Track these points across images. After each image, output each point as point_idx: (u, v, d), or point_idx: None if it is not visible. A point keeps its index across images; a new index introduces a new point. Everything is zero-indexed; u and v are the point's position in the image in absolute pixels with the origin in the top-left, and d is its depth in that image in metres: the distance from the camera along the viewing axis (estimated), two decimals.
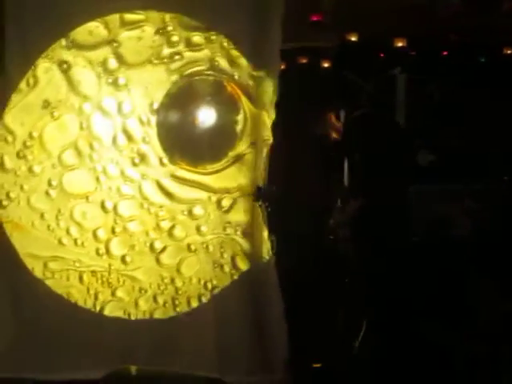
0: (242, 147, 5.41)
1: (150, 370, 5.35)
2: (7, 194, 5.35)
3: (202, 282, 5.42)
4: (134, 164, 5.38)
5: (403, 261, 5.81)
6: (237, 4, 5.36)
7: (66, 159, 5.37)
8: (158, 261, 5.43)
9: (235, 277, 5.41)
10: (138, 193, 5.39)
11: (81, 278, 5.38)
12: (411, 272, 5.93)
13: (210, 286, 5.42)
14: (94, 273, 5.39)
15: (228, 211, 5.41)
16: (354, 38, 6.67)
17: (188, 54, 5.40)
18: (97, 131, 5.39)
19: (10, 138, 5.34)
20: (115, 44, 5.34)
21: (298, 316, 5.44)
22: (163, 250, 5.43)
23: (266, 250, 5.38)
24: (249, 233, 5.42)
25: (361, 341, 5.78)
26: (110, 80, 5.34)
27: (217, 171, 5.43)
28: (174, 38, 5.37)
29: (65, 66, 5.32)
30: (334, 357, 5.75)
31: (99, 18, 5.31)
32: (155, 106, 5.38)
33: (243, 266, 5.43)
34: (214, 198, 5.40)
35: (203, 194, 5.40)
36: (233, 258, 5.43)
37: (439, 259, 6.13)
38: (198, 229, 5.41)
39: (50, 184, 5.37)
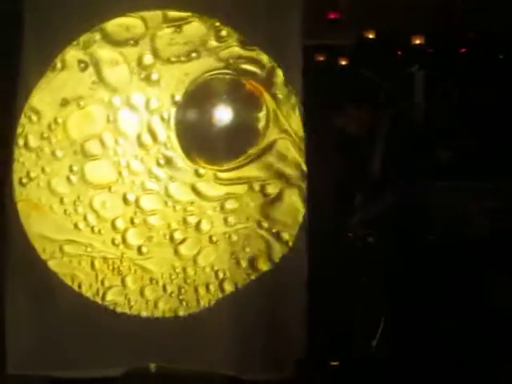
0: (264, 144, 5.43)
1: (169, 368, 5.36)
2: (27, 173, 5.36)
3: (214, 271, 5.42)
4: (160, 164, 5.38)
5: (423, 259, 5.81)
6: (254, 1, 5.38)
7: (88, 149, 5.38)
8: (176, 252, 5.44)
9: (252, 276, 5.42)
10: (163, 190, 5.39)
11: (92, 264, 5.38)
12: (430, 271, 5.93)
13: (221, 275, 5.42)
14: (105, 259, 5.40)
15: (271, 203, 5.42)
16: (371, 36, 6.65)
17: (205, 53, 5.43)
18: (123, 126, 5.38)
19: (34, 118, 5.36)
20: (151, 40, 5.34)
21: (315, 313, 5.43)
22: (183, 241, 5.42)
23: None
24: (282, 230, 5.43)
25: (378, 339, 5.77)
26: (143, 75, 5.34)
27: (233, 169, 5.45)
28: (192, 36, 5.38)
29: (96, 58, 5.32)
30: (351, 355, 5.76)
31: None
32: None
33: (264, 266, 5.43)
34: (257, 186, 5.40)
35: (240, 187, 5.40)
36: (253, 258, 5.42)
37: (457, 258, 6.12)
38: (225, 220, 5.41)
39: (71, 170, 5.37)
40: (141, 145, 5.42)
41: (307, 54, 5.51)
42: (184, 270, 5.46)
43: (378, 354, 5.71)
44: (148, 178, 5.42)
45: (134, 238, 5.45)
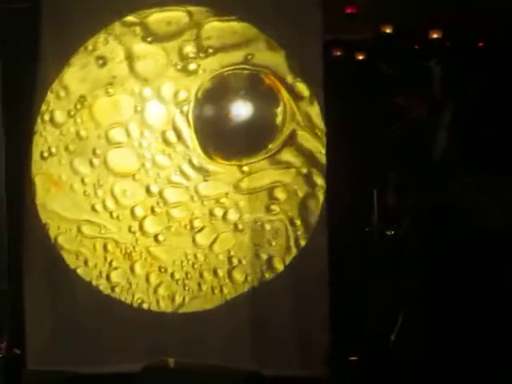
0: (282, 140, 5.43)
1: (188, 363, 5.37)
2: (49, 148, 5.44)
3: (227, 256, 5.46)
4: (192, 164, 5.45)
5: (443, 254, 5.77)
6: None
7: (113, 136, 5.45)
8: (193, 240, 5.47)
9: (266, 274, 5.45)
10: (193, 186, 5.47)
11: (105, 247, 5.46)
12: (448, 264, 5.89)
13: (235, 261, 5.46)
14: (118, 243, 5.47)
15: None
16: (388, 30, 6.63)
17: (222, 48, 5.43)
18: (150, 118, 5.46)
19: (62, 94, 5.44)
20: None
21: (335, 309, 5.42)
22: (202, 229, 5.48)
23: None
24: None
25: (397, 334, 5.75)
26: (179, 67, 5.42)
27: (252, 164, 5.45)
28: (209, 33, 5.42)
29: (130, 48, 5.43)
30: (370, 350, 5.74)
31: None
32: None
33: (279, 266, 5.46)
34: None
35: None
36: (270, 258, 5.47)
37: (476, 251, 6.07)
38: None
39: (94, 153, 5.45)
40: (166, 140, 5.47)
41: (324, 49, 5.51)
42: (195, 256, 5.48)
43: (396, 349, 5.70)
44: (175, 173, 5.47)
45: (151, 226, 5.50)
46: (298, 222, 5.45)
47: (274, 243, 5.44)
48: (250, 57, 5.42)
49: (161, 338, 5.39)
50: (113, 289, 5.46)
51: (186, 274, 5.46)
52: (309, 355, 5.39)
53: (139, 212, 5.47)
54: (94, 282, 5.45)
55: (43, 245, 5.43)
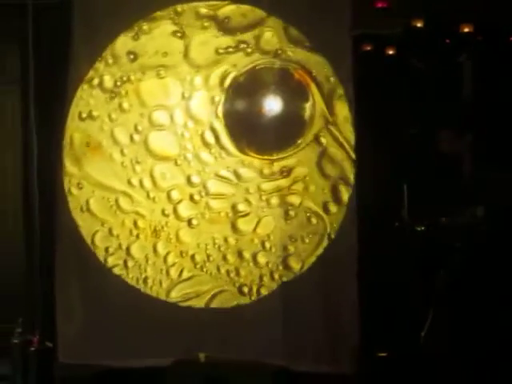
0: (311, 135, 5.41)
1: (218, 358, 5.38)
2: (90, 111, 5.51)
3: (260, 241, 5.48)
4: (243, 164, 5.47)
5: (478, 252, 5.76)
6: None
7: (157, 118, 5.51)
8: (233, 226, 5.50)
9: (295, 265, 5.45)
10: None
11: (135, 223, 5.51)
12: (476, 262, 5.86)
13: (268, 245, 5.47)
14: (147, 220, 5.51)
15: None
16: (419, 24, 6.58)
17: (253, 43, 5.43)
18: (196, 108, 5.50)
19: (110, 60, 5.49)
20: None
21: (365, 305, 5.41)
22: (246, 214, 5.52)
23: None
24: None
25: (427, 331, 5.71)
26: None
27: (282, 158, 5.44)
28: (239, 27, 5.44)
29: (189, 34, 5.48)
30: (400, 346, 5.71)
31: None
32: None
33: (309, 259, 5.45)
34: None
35: None
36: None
37: (505, 248, 6.03)
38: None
39: (136, 128, 5.50)
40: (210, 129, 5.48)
41: (354, 44, 5.49)
42: (226, 239, 5.50)
43: (426, 346, 5.67)
44: (224, 168, 5.48)
45: (185, 211, 5.52)
46: (328, 216, 5.46)
47: (304, 236, 5.45)
48: (280, 51, 5.41)
49: (192, 333, 5.40)
50: (125, 263, 5.51)
51: (208, 256, 5.50)
52: (338, 351, 5.38)
53: (175, 196, 5.51)
54: (111, 250, 5.51)
55: (75, 240, 5.47)
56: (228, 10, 5.46)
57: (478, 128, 6.97)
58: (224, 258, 5.48)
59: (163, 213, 5.50)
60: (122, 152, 5.50)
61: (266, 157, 5.43)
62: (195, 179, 5.49)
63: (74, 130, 5.50)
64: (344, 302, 5.34)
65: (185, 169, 5.49)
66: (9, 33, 5.78)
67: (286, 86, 5.45)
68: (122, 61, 5.49)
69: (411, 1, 6.39)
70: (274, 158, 5.43)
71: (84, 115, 5.50)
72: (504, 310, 5.48)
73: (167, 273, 5.51)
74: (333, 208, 5.44)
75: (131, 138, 5.50)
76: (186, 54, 5.47)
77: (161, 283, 5.50)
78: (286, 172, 5.44)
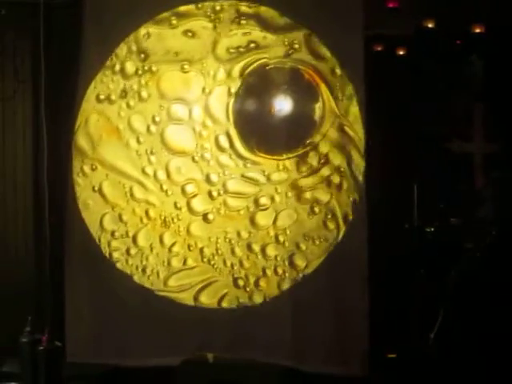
0: (320, 135, 5.40)
1: (227, 358, 5.38)
2: (109, 95, 5.53)
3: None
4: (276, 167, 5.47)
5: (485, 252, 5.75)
6: None
7: (175, 111, 5.53)
8: (251, 220, 5.51)
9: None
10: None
11: (147, 212, 5.53)
12: (487, 263, 5.84)
13: (282, 239, 5.47)
14: (156, 209, 5.53)
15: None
16: (430, 25, 6.56)
17: (264, 42, 5.42)
18: (216, 105, 5.52)
19: (134, 47, 5.51)
20: None
21: (374, 306, 5.39)
22: (266, 209, 5.52)
23: None
24: None
25: (436, 332, 5.70)
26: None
27: (291, 158, 5.44)
28: (249, 27, 5.44)
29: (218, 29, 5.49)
30: (409, 348, 5.70)
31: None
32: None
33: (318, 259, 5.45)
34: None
35: None
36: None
37: None
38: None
39: (153, 120, 5.52)
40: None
41: (366, 44, 5.48)
42: (239, 233, 5.51)
43: (435, 347, 5.66)
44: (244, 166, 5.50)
45: (199, 205, 5.53)
46: (337, 217, 5.45)
47: (315, 238, 5.45)
48: (291, 51, 5.41)
49: (201, 332, 5.42)
50: (128, 250, 5.52)
51: (217, 250, 5.51)
52: (347, 353, 5.36)
53: (190, 189, 5.52)
54: (117, 234, 5.53)
55: (84, 240, 5.49)
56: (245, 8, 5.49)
57: (489, 128, 6.96)
58: (232, 251, 5.51)
59: (175, 206, 5.51)
60: (137, 140, 5.52)
61: (275, 157, 5.43)
62: (214, 178, 5.51)
63: (91, 111, 5.53)
64: (353, 303, 5.32)
65: (203, 167, 5.51)
66: (20, 32, 5.78)
67: (296, 86, 5.45)
68: (148, 51, 5.51)
69: (422, 1, 6.37)
70: (283, 158, 5.42)
71: (102, 97, 5.52)
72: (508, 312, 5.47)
73: (168, 263, 5.53)
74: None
75: (148, 129, 5.51)
76: (213, 50, 5.49)
77: (158, 274, 5.52)
78: (324, 160, 5.45)
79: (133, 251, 5.53)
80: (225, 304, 5.48)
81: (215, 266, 5.49)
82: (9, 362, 5.23)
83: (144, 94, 5.50)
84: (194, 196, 5.51)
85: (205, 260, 5.50)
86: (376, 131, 5.63)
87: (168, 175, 5.51)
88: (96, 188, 5.52)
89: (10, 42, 5.79)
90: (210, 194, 5.49)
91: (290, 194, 5.44)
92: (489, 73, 6.74)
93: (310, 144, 5.43)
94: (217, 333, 5.42)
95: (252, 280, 5.47)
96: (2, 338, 5.36)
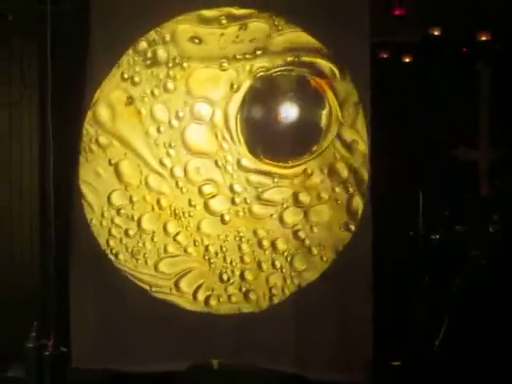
0: (326, 142, 5.42)
1: (231, 364, 5.38)
2: (133, 76, 5.49)
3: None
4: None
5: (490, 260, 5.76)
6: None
7: (198, 110, 5.50)
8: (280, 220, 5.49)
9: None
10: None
11: (159, 201, 5.51)
12: (492, 271, 5.84)
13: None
14: (168, 199, 5.51)
15: None
16: (436, 32, 6.57)
17: (270, 50, 5.43)
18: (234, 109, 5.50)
19: (168, 37, 5.49)
20: None
21: (379, 313, 5.39)
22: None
23: None
24: None
25: (441, 339, 5.69)
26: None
27: (297, 166, 5.45)
28: (256, 34, 5.44)
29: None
30: (414, 355, 5.70)
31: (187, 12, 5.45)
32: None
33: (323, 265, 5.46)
34: None
35: None
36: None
37: None
38: None
39: (176, 115, 5.50)
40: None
41: (372, 51, 5.49)
42: (255, 232, 5.49)
43: (440, 354, 5.65)
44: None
45: (219, 205, 5.52)
46: (342, 224, 5.46)
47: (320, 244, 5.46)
48: (297, 58, 5.42)
49: (205, 338, 5.40)
50: (126, 232, 5.50)
51: (221, 247, 5.51)
52: (351, 360, 5.36)
53: (208, 189, 5.51)
54: (122, 211, 5.50)
55: (90, 245, 5.47)
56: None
57: (495, 135, 6.97)
58: (239, 247, 5.51)
59: (189, 203, 5.51)
60: (158, 130, 5.51)
61: (281, 164, 5.43)
62: (237, 187, 5.52)
63: (114, 88, 5.50)
64: (358, 309, 5.32)
65: (227, 178, 5.51)
66: (27, 37, 5.79)
67: (302, 93, 5.46)
68: (182, 43, 5.48)
69: (428, 9, 6.39)
70: (289, 165, 5.43)
71: (126, 76, 5.50)
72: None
73: (165, 250, 5.52)
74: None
75: (170, 122, 5.50)
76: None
77: (146, 261, 5.51)
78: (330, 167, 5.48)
79: (131, 232, 5.51)
80: (223, 308, 5.50)
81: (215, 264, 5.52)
82: (14, 367, 5.25)
83: (170, 85, 5.48)
84: (213, 196, 5.51)
85: (206, 258, 5.52)
86: (381, 138, 5.62)
87: (185, 173, 5.51)
88: (113, 162, 5.49)
89: (17, 48, 5.79)
90: (232, 200, 5.51)
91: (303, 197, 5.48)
92: (494, 80, 6.78)
93: (316, 151, 5.43)
94: (221, 338, 5.40)
95: (237, 273, 5.50)
96: (8, 343, 5.36)
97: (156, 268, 5.51)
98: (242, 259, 5.49)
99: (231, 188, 5.49)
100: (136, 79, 5.49)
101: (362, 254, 5.36)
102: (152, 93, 5.48)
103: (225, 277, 5.49)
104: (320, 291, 5.37)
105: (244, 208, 5.49)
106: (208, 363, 5.41)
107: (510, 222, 6.27)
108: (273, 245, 5.47)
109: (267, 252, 5.47)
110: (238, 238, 5.49)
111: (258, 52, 5.44)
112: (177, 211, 5.51)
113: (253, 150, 5.46)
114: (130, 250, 5.51)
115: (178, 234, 5.52)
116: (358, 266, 5.35)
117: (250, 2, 5.43)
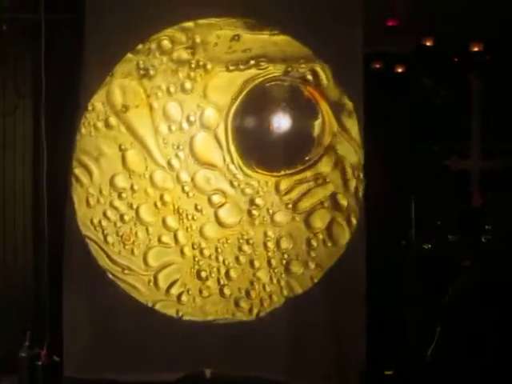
0: (319, 152, 5.43)
1: (224, 374, 5.37)
2: (147, 68, 5.45)
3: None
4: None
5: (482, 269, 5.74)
6: (314, 8, 5.39)
7: (206, 118, 5.48)
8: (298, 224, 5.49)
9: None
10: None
11: (162, 197, 5.49)
12: (485, 280, 5.84)
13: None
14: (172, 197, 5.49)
15: None
16: (429, 43, 6.61)
17: (263, 60, 5.45)
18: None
19: (198, 40, 5.45)
20: None
21: (372, 322, 5.40)
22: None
23: None
24: None
25: (434, 348, 5.69)
26: None
27: (290, 175, 5.46)
28: (249, 45, 5.45)
29: None
30: (406, 364, 5.70)
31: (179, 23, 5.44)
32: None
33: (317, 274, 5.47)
34: None
35: None
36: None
37: None
38: None
39: (187, 118, 5.47)
40: None
41: (365, 61, 5.51)
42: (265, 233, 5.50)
43: (433, 364, 5.65)
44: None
45: (229, 215, 5.50)
46: (335, 233, 5.47)
47: (312, 254, 5.47)
48: (290, 68, 5.44)
49: (198, 348, 5.38)
50: (122, 216, 5.48)
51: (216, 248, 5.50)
52: (344, 369, 5.36)
53: (216, 199, 5.49)
54: (124, 195, 5.47)
55: (83, 254, 5.45)
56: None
57: (487, 145, 7.00)
58: (240, 248, 5.52)
59: (196, 208, 5.49)
60: (169, 128, 5.49)
61: (274, 173, 5.45)
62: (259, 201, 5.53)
63: (129, 73, 5.47)
64: (351, 319, 5.33)
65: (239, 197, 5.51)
66: (21, 47, 5.80)
67: (295, 104, 5.47)
68: (208, 45, 5.48)
69: (421, 19, 6.42)
70: (281, 174, 5.45)
71: (142, 66, 5.47)
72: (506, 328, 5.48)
73: (159, 240, 5.51)
74: None
75: (181, 127, 5.48)
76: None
77: (133, 250, 5.48)
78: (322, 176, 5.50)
79: (127, 217, 5.50)
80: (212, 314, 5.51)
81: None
82: (7, 377, 5.24)
83: (188, 85, 5.46)
84: (222, 205, 5.51)
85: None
86: (374, 148, 5.64)
87: (194, 183, 5.51)
88: (123, 147, 5.47)
89: (11, 57, 5.78)
90: (250, 213, 5.52)
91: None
92: (486, 90, 6.82)
93: (309, 161, 5.45)
94: (213, 349, 5.40)
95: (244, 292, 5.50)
96: (1, 352, 5.32)
97: (145, 259, 5.49)
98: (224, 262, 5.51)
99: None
100: (151, 72, 5.46)
101: (355, 264, 5.37)
102: (168, 88, 5.46)
103: (203, 274, 5.51)
104: (313, 300, 5.37)
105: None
106: (200, 373, 5.41)
107: (501, 231, 6.28)
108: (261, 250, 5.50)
109: (259, 257, 5.50)
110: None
111: (252, 62, 5.46)
112: (180, 210, 5.49)
113: (245, 160, 5.48)
114: (120, 234, 5.49)
115: (176, 230, 5.51)
116: (351, 276, 5.36)
117: (243, 13, 5.43)
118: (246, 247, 5.49)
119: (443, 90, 6.78)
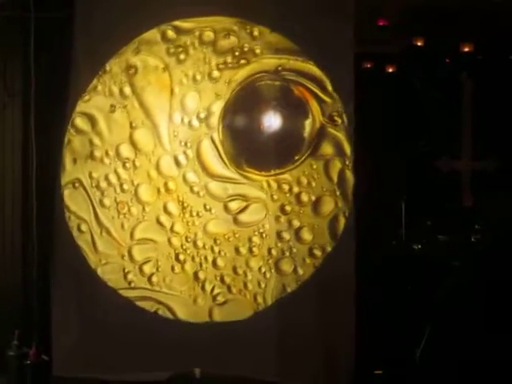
0: (308, 151, 5.44)
1: (213, 373, 5.37)
2: (160, 62, 5.43)
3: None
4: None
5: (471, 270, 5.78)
6: (305, 8, 5.39)
7: (211, 121, 5.43)
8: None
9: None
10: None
11: (166, 184, 5.45)
12: (474, 280, 5.87)
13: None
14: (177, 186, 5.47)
15: None
16: (420, 43, 6.62)
17: (254, 59, 5.45)
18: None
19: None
20: None
21: (360, 322, 5.41)
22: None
23: None
24: None
25: (423, 348, 5.72)
26: None
27: (280, 174, 5.47)
28: (239, 43, 5.44)
29: None
30: (396, 364, 5.72)
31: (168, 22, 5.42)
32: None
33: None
34: None
35: None
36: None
37: (503, 267, 6.04)
38: None
39: (197, 115, 5.43)
40: None
41: (355, 61, 5.52)
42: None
43: (422, 363, 5.68)
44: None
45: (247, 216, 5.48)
46: (326, 234, 5.46)
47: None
48: (280, 67, 5.44)
49: (187, 347, 5.36)
50: (122, 186, 5.44)
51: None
52: (333, 370, 5.34)
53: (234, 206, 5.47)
54: (128, 165, 5.43)
55: (72, 253, 5.43)
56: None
57: (477, 146, 7.02)
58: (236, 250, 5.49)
59: (204, 207, 5.46)
60: (182, 120, 5.45)
61: (263, 173, 5.43)
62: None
63: (155, 55, 5.44)
64: (340, 319, 5.31)
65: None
66: (11, 45, 5.79)
67: (285, 103, 5.45)
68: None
69: (412, 20, 6.43)
70: (271, 173, 5.45)
71: (161, 67, 5.44)
72: (501, 329, 5.49)
73: (158, 223, 5.47)
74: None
75: (190, 124, 5.44)
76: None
77: (123, 225, 5.45)
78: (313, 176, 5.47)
79: (126, 186, 5.45)
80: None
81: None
82: None
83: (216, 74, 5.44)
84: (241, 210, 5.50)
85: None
86: (365, 148, 5.65)
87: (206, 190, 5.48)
88: (134, 125, 5.42)
89: (0, 56, 5.78)
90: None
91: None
92: (477, 91, 6.83)
93: (299, 160, 5.44)
94: (203, 348, 5.38)
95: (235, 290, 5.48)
96: None
97: (132, 235, 5.46)
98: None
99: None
100: (161, 66, 5.44)
101: (345, 264, 5.35)
102: (181, 82, 5.43)
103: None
104: (302, 300, 5.35)
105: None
106: (190, 372, 5.40)
107: (491, 231, 6.31)
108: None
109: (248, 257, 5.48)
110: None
111: (242, 61, 5.46)
112: (185, 204, 5.45)
113: (235, 160, 5.45)
114: (117, 201, 5.45)
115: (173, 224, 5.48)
116: (340, 276, 5.34)
117: (233, 12, 5.42)
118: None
119: (434, 90, 6.79)
